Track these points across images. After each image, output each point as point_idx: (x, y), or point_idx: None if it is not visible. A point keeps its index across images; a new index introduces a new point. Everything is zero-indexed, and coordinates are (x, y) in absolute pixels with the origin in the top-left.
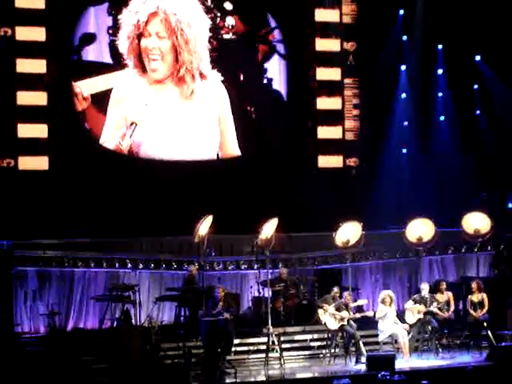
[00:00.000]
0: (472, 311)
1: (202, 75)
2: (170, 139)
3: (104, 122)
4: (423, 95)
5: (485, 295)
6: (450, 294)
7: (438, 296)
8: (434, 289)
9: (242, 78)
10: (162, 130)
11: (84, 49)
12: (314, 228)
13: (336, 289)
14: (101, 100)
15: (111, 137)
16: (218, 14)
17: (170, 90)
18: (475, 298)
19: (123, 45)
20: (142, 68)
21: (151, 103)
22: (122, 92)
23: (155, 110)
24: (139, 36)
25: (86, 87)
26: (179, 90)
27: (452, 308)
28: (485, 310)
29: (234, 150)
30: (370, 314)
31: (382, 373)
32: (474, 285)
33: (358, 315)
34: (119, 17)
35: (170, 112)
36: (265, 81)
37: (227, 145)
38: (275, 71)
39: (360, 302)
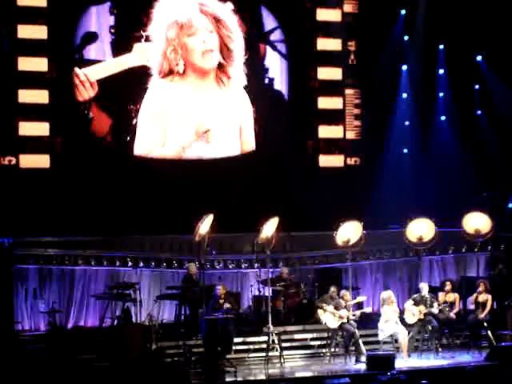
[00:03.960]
0: (477, 311)
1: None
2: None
3: (108, 122)
4: (424, 95)
5: (490, 296)
6: (456, 295)
7: (445, 296)
8: (440, 288)
9: None
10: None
11: (86, 47)
12: (314, 227)
13: (333, 288)
14: (104, 98)
15: (161, 145)
16: None
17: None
18: (481, 298)
19: (159, 51)
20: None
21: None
22: (161, 104)
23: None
24: (182, 36)
25: (92, 72)
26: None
27: (457, 309)
28: (487, 311)
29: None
30: (368, 309)
31: (392, 372)
32: (481, 285)
33: (357, 312)
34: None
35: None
36: (266, 80)
37: (244, 141)
38: (277, 71)
39: (359, 299)
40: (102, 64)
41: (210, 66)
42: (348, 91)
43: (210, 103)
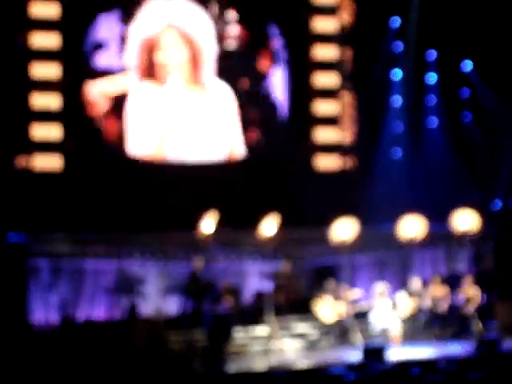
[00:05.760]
0: (466, 305)
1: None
2: (182, 142)
3: (118, 125)
4: (417, 99)
5: (477, 290)
6: (446, 288)
7: (435, 290)
8: (431, 283)
9: (244, 84)
10: (175, 133)
11: (96, 55)
12: (312, 224)
13: (332, 282)
14: (113, 102)
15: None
16: (222, 23)
17: (184, 97)
18: (468, 292)
19: (131, 59)
20: (153, 78)
21: (167, 110)
22: (139, 104)
23: (170, 116)
24: (151, 51)
25: (106, 90)
26: (193, 97)
27: (447, 302)
28: (475, 304)
29: (239, 150)
30: (365, 307)
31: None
32: (468, 279)
33: (354, 308)
34: (128, 30)
35: (182, 116)
36: (267, 87)
37: (234, 146)
38: (276, 77)
39: (355, 294)
40: (112, 81)
41: (172, 83)
42: (344, 96)
43: (187, 106)
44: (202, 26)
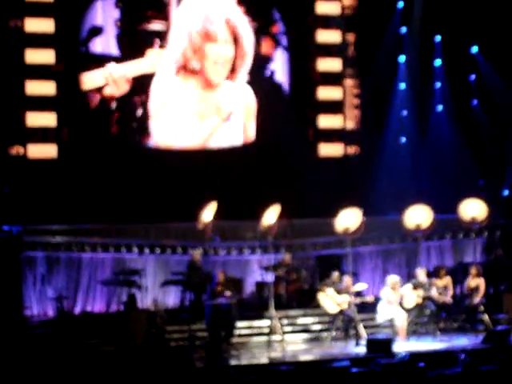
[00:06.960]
0: (473, 296)
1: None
2: (185, 128)
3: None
4: (422, 85)
5: (482, 280)
6: (448, 278)
7: (437, 281)
8: (434, 274)
9: None
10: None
11: (92, 41)
12: (315, 214)
13: (336, 273)
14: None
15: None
16: None
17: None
18: (473, 282)
19: (173, 50)
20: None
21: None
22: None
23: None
24: (203, 41)
25: (131, 69)
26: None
27: (450, 293)
28: (480, 295)
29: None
30: (369, 299)
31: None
32: (473, 270)
33: (358, 300)
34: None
35: (190, 102)
36: (268, 72)
37: (246, 132)
38: (278, 63)
39: (359, 287)
40: (130, 65)
41: (216, 81)
42: (347, 82)
43: (216, 97)
44: (247, 27)
